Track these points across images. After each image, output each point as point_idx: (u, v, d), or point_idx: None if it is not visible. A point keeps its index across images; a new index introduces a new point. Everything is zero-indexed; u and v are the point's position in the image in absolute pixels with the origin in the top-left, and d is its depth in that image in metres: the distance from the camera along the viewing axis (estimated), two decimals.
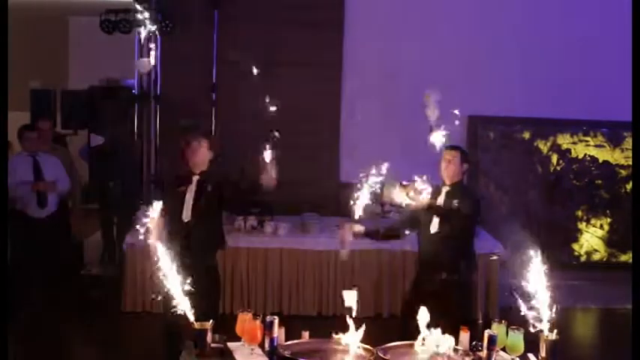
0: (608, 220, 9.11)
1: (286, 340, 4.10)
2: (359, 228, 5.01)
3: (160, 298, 4.02)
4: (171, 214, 5.16)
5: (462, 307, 5.02)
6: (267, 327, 4.02)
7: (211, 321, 4.00)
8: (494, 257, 7.29)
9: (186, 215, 5.22)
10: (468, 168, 5.39)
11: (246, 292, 7.31)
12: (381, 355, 3.93)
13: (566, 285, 7.63)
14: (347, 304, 4.10)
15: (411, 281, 5.52)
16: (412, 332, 4.18)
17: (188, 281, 4.00)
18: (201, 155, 5.31)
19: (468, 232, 5.22)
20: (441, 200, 5.11)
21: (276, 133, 4.96)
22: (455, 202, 5.07)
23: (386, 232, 5.41)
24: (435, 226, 5.06)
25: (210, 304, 4.80)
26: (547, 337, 3.87)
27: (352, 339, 3.99)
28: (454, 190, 5.16)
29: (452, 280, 5.03)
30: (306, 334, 4.18)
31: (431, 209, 4.97)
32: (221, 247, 5.58)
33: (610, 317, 7.81)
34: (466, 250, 5.21)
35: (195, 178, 5.28)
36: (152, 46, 8.44)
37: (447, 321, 4.18)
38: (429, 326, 4.03)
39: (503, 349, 4.05)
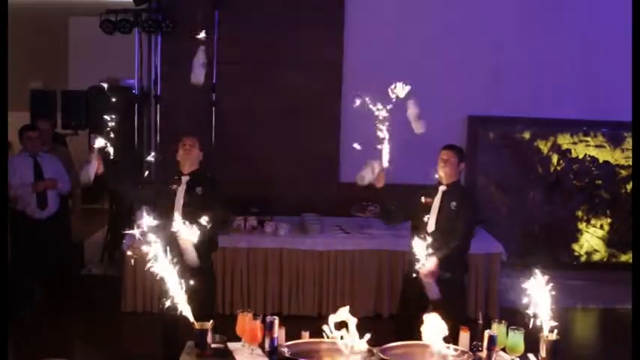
0: (609, 220, 9.11)
1: (286, 341, 4.10)
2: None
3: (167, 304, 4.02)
4: (162, 215, 5.16)
5: (456, 305, 5.04)
6: (268, 327, 4.02)
7: (211, 321, 4.00)
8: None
9: (177, 216, 5.22)
10: (465, 167, 5.43)
11: (246, 292, 7.31)
12: (381, 355, 3.94)
13: (566, 285, 7.64)
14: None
15: (403, 280, 5.54)
16: (408, 331, 4.18)
17: (182, 282, 4.01)
18: (192, 155, 5.31)
19: (465, 232, 5.23)
20: (437, 200, 5.15)
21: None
22: (453, 204, 5.12)
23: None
24: (431, 225, 5.10)
25: (204, 305, 4.80)
26: (547, 337, 3.88)
27: (353, 340, 3.99)
28: (451, 190, 5.19)
29: (445, 278, 5.04)
30: (306, 335, 4.19)
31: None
32: (213, 249, 5.58)
33: (610, 317, 7.81)
34: (461, 250, 5.23)
35: (185, 179, 5.28)
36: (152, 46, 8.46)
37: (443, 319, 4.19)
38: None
39: (504, 350, 4.06)
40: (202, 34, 5.70)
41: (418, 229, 5.18)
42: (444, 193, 5.18)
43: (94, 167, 5.18)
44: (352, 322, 4.02)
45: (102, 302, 7.39)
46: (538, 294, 3.88)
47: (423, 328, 4.01)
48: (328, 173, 8.62)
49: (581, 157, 9.07)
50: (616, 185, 9.09)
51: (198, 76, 5.99)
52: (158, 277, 3.98)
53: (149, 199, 5.36)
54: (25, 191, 6.99)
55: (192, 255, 5.11)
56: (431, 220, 5.12)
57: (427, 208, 5.16)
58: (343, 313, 4.04)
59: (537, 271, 3.91)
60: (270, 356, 3.98)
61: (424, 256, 4.66)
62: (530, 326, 3.91)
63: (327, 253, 7.34)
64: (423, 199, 5.20)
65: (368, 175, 5.00)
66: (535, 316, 3.87)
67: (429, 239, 4.72)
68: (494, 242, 7.43)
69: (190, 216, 5.21)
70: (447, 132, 7.50)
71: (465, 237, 5.21)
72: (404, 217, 5.35)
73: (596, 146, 9.08)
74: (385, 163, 4.98)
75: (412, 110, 5.05)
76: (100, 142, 5.13)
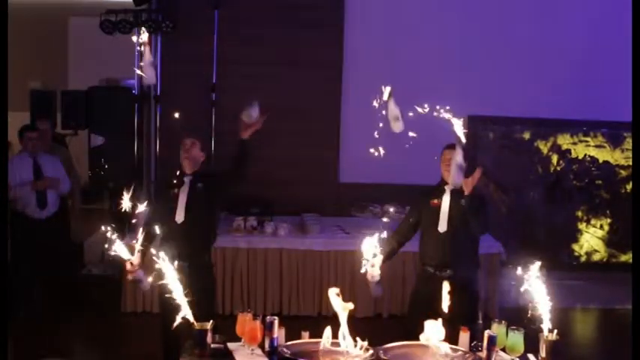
0: (608, 220, 9.11)
1: (286, 341, 4.10)
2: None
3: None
4: (164, 215, 5.16)
5: (469, 305, 5.03)
6: (268, 327, 4.02)
7: (211, 321, 4.00)
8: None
9: (180, 216, 5.22)
10: (467, 165, 5.40)
11: (246, 292, 7.31)
12: (381, 356, 3.93)
13: (566, 285, 7.65)
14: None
15: (414, 282, 5.52)
16: (418, 333, 4.17)
17: (184, 282, 4.01)
18: (192, 155, 5.31)
19: (486, 225, 5.21)
20: (446, 200, 5.11)
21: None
22: (462, 201, 5.07)
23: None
24: (443, 225, 5.06)
25: (206, 305, 4.80)
26: (547, 337, 3.88)
27: (348, 340, 3.98)
28: (458, 189, 5.16)
29: (458, 278, 5.03)
30: (306, 335, 4.18)
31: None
32: (212, 242, 5.58)
33: (610, 317, 7.82)
34: (474, 248, 5.22)
35: (188, 179, 5.28)
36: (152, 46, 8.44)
37: (455, 319, 4.19)
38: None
39: (503, 350, 4.05)
40: (145, 35, 5.53)
41: (428, 230, 5.16)
42: (452, 192, 5.15)
43: (141, 273, 4.83)
44: (343, 314, 4.01)
45: (102, 302, 7.39)
46: (537, 294, 3.88)
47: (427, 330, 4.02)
48: (328, 173, 8.62)
49: (581, 157, 9.07)
50: (616, 185, 9.10)
51: (149, 77, 5.87)
52: (160, 278, 3.98)
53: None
54: (24, 190, 6.99)
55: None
56: (442, 221, 5.08)
57: (436, 209, 5.13)
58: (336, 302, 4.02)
59: (537, 271, 3.91)
60: (270, 356, 3.98)
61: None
62: (530, 326, 3.91)
63: (327, 253, 7.34)
64: (435, 201, 5.16)
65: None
66: (535, 316, 3.88)
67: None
68: (494, 242, 7.42)
69: (194, 213, 5.22)
70: (447, 132, 7.49)
71: (486, 228, 5.17)
72: (414, 225, 5.27)
73: (596, 146, 9.08)
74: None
75: (392, 111, 5.03)
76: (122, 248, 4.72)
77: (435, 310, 4.47)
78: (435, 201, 5.11)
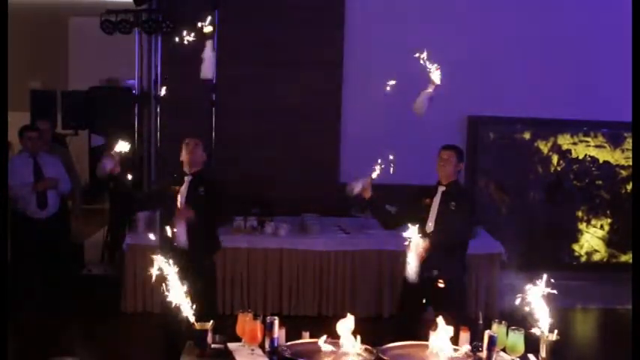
0: (609, 220, 9.11)
1: (286, 341, 4.10)
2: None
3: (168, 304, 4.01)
4: (165, 214, 5.17)
5: (455, 306, 5.04)
6: (268, 327, 4.02)
7: (212, 321, 4.00)
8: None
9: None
10: (463, 167, 5.44)
11: (246, 292, 7.31)
12: (381, 356, 3.94)
13: (566, 285, 7.63)
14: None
15: (401, 281, 5.56)
16: (407, 331, 4.19)
17: (185, 282, 4.01)
18: (195, 155, 5.32)
19: (462, 231, 5.24)
20: (437, 200, 5.16)
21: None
22: (452, 204, 5.13)
23: None
24: (430, 225, 5.11)
25: (207, 305, 4.81)
26: (547, 337, 3.88)
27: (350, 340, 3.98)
28: (450, 190, 5.21)
29: (443, 278, 5.05)
30: (306, 335, 4.19)
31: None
32: (216, 248, 5.59)
33: (610, 317, 7.81)
34: (460, 250, 5.24)
35: (188, 179, 5.29)
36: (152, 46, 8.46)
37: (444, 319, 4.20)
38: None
39: (504, 350, 4.06)
40: (209, 27, 5.73)
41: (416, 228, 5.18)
42: (443, 193, 5.20)
43: (111, 164, 5.16)
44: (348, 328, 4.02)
45: (102, 302, 7.39)
46: (538, 294, 3.88)
47: (431, 331, 4.02)
48: (328, 173, 8.62)
49: (581, 157, 9.07)
50: (616, 185, 9.09)
51: (207, 70, 6.02)
52: (161, 277, 3.98)
53: (156, 200, 5.38)
54: (25, 191, 6.99)
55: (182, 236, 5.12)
56: (430, 220, 5.12)
57: (426, 208, 5.17)
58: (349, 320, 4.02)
59: (537, 272, 3.91)
60: (270, 356, 3.98)
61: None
62: (530, 326, 3.91)
63: (327, 253, 7.34)
64: (427, 200, 5.20)
65: (357, 187, 5.09)
66: (535, 317, 3.88)
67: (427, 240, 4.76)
68: (495, 242, 7.42)
69: (194, 214, 5.22)
70: (447, 132, 7.50)
71: (462, 235, 5.21)
72: (406, 221, 5.31)
73: (597, 146, 9.08)
74: (373, 175, 5.05)
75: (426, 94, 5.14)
76: (122, 147, 5.08)
77: (423, 310, 4.51)
78: (428, 200, 5.17)
